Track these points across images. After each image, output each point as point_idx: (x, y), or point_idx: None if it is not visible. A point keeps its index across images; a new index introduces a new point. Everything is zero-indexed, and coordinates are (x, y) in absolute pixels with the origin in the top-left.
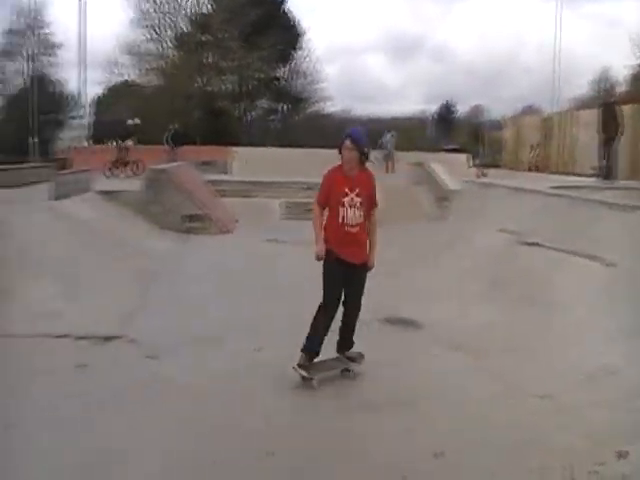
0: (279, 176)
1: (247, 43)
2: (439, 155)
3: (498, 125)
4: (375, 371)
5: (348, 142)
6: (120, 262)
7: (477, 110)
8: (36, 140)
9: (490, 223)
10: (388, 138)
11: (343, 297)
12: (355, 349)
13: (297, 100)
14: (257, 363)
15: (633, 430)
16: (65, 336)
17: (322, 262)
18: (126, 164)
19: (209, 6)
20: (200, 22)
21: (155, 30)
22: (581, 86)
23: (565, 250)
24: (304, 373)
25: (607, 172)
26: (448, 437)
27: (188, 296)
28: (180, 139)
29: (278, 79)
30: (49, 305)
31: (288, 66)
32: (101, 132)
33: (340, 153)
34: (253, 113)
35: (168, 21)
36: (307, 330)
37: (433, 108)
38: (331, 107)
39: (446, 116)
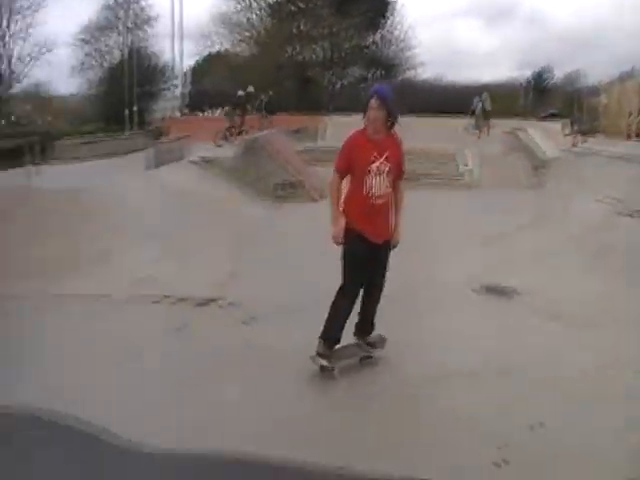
0: None
1: (338, 11)
2: (534, 123)
3: (595, 91)
4: (470, 340)
5: (374, 101)
6: (215, 228)
7: (573, 76)
8: (134, 109)
9: (589, 192)
10: (480, 100)
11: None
12: (451, 317)
13: (388, 67)
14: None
15: None
16: (165, 298)
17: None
18: (239, 132)
19: None
20: None
21: (246, 0)
22: None
23: None
24: (324, 362)
25: None
26: (546, 409)
27: (281, 262)
28: (272, 107)
29: (369, 46)
30: (150, 268)
31: (379, 33)
32: (200, 101)
33: (364, 115)
34: (344, 81)
35: None
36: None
37: (527, 74)
38: (423, 74)
39: (541, 82)
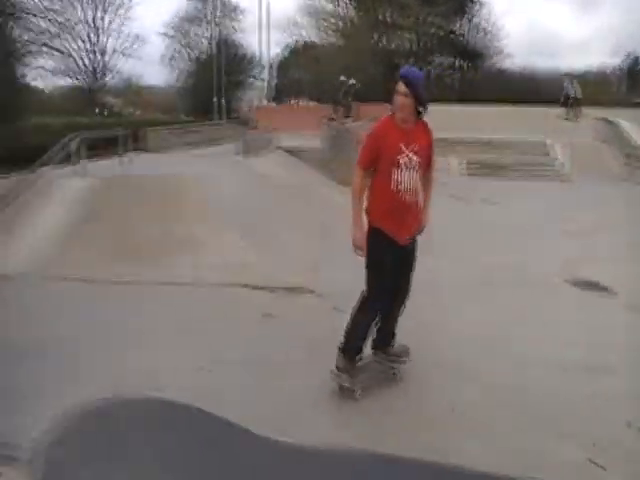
0: (458, 133)
1: None
2: (628, 111)
3: None
4: (568, 334)
5: (402, 85)
6: (303, 216)
7: None
8: (222, 99)
9: None
10: (569, 83)
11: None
12: (542, 311)
13: (476, 56)
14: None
15: None
16: (253, 285)
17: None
18: (346, 117)
19: None
20: None
21: None
22: None
23: None
24: (345, 383)
25: None
26: None
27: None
28: (357, 95)
29: (456, 34)
30: (239, 255)
31: (467, 21)
32: (286, 91)
33: (391, 102)
34: (430, 69)
35: None
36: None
37: (618, 61)
38: (511, 62)
39: (635, 69)
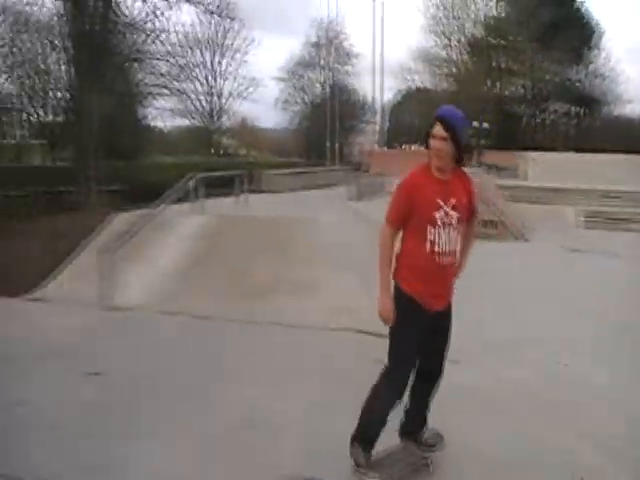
0: (576, 182)
1: (540, 44)
2: None
3: None
4: None
5: (440, 128)
6: None
7: None
8: (336, 143)
9: None
10: None
11: (419, 358)
12: None
13: (593, 102)
14: (559, 377)
15: None
16: (364, 330)
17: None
18: (489, 167)
19: (501, 9)
20: (491, 25)
21: (445, 35)
22: None
23: None
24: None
25: None
26: None
27: (485, 301)
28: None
29: (572, 80)
30: (350, 299)
31: (584, 67)
32: (399, 136)
33: (426, 146)
34: (544, 116)
35: (458, 26)
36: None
37: None
38: (631, 109)
39: None
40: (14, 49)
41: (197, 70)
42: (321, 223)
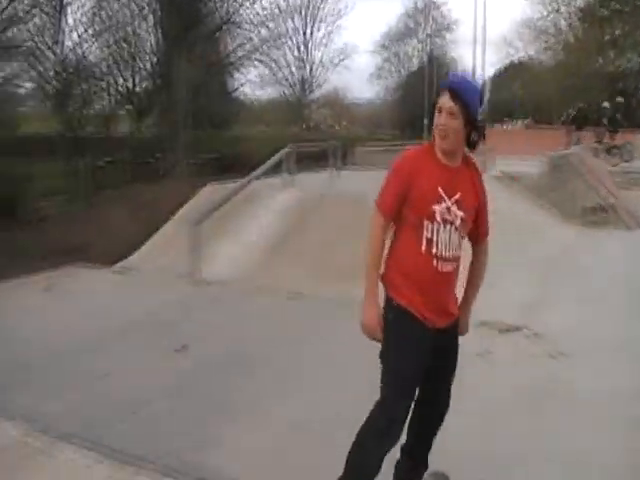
0: None
1: None
2: None
3: None
4: None
5: (446, 99)
6: (519, 248)
7: None
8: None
9: None
10: None
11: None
12: None
13: None
14: None
15: None
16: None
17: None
18: (608, 150)
19: None
20: None
21: (552, 5)
22: None
23: None
24: None
25: None
26: None
27: (594, 294)
28: (582, 121)
29: None
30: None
31: None
32: (500, 112)
33: (430, 122)
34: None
35: None
36: None
37: None
38: None
39: None
40: (102, 14)
41: (289, 38)
42: None
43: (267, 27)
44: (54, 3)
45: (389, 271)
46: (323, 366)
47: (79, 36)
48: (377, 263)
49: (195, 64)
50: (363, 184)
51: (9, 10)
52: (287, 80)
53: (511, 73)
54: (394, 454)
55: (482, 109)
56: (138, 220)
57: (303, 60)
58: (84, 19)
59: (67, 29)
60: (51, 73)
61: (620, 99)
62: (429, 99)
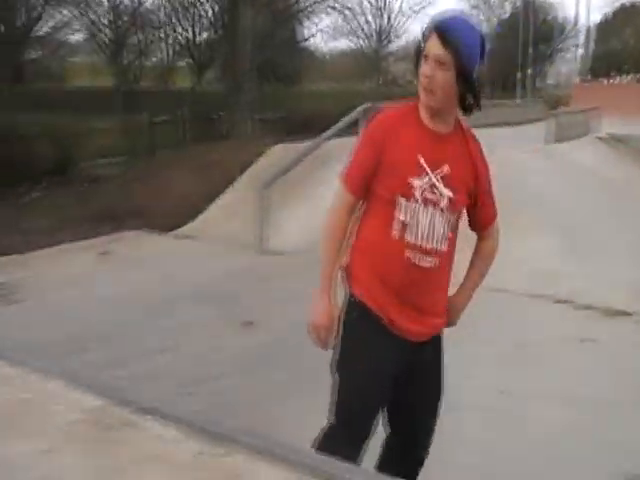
0: None
1: None
2: None
3: None
4: None
5: (434, 43)
6: (627, 221)
7: None
8: (528, 72)
9: None
10: None
11: (387, 416)
12: None
13: None
14: None
15: None
16: (565, 302)
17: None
18: None
19: None
20: None
21: None
22: None
23: None
24: None
25: None
26: None
27: None
28: None
29: None
30: (551, 263)
31: None
32: (607, 65)
33: (417, 74)
34: None
35: None
36: None
37: None
38: None
39: None
40: None
41: None
42: (511, 169)
43: None
44: None
45: (352, 261)
46: None
47: None
48: (336, 251)
49: (261, 11)
50: None
51: None
52: (362, 30)
53: (621, 19)
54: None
55: (480, 65)
56: (200, 182)
57: (381, 8)
58: None
59: None
60: (105, 21)
61: None
62: (523, 51)
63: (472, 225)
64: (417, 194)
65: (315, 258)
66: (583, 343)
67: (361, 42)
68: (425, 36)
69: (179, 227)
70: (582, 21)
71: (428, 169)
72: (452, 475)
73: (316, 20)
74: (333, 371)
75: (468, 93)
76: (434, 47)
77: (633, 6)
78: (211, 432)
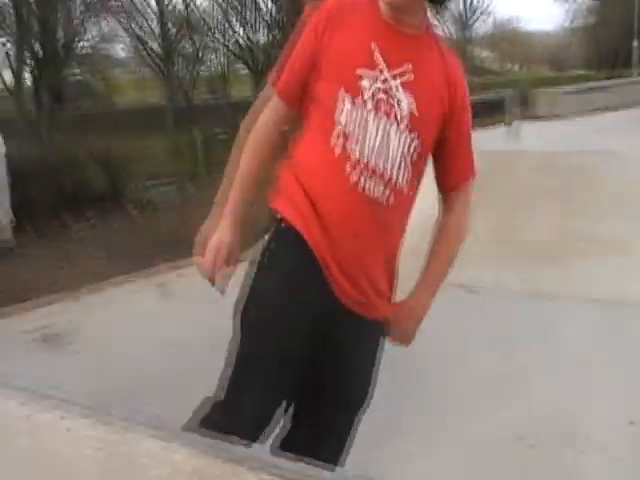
0: None
1: None
2: None
3: None
4: None
5: None
6: None
7: None
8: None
9: None
10: None
11: (293, 408)
12: None
13: None
14: None
15: None
16: None
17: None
18: None
19: None
20: None
21: None
22: None
23: None
24: None
25: None
26: None
27: None
28: None
29: None
30: None
31: None
32: None
33: None
34: None
35: None
36: None
37: None
38: None
39: None
40: None
41: None
42: (628, 159)
43: None
44: None
45: (284, 184)
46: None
47: None
48: (253, 166)
49: None
50: (549, 139)
51: None
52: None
53: None
54: None
55: None
56: (262, 202)
57: None
58: None
59: None
60: (156, 29)
61: None
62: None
63: (440, 180)
64: (367, 95)
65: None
66: None
67: (441, 27)
68: None
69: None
70: None
71: (384, 64)
72: None
73: None
74: (236, 324)
75: None
76: None
77: None
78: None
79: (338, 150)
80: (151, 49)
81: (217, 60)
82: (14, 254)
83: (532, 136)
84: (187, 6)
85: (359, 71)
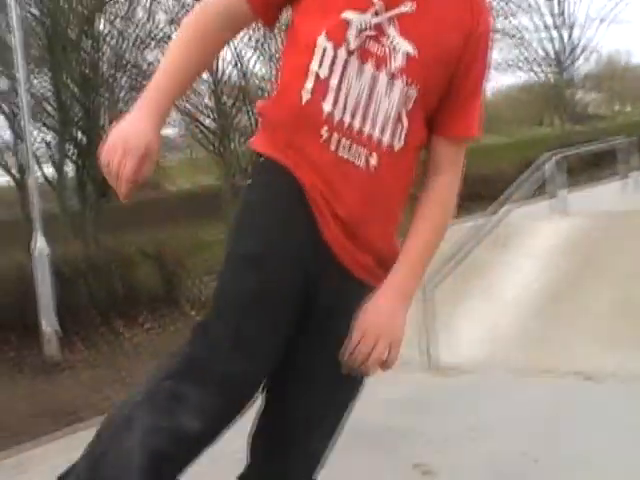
0: None
1: None
2: None
3: None
4: None
5: None
6: None
7: None
8: None
9: None
10: None
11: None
12: None
13: None
14: None
15: None
16: None
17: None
18: None
19: None
20: None
21: None
22: None
23: None
24: None
25: None
26: None
27: None
28: None
29: None
30: None
31: None
32: None
33: None
34: None
35: None
36: None
37: None
38: None
39: None
40: None
41: None
42: None
43: None
44: None
45: (267, 114)
46: None
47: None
48: (186, 55)
49: None
50: None
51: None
52: (535, 56)
53: None
54: None
55: None
56: None
57: (556, 23)
58: None
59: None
60: (207, 102)
61: None
62: None
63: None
64: (351, 36)
65: (504, 373)
66: None
67: (532, 72)
68: None
69: None
70: None
71: (380, 3)
72: None
73: None
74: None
75: None
76: None
77: None
78: None
79: (307, 99)
80: (203, 125)
81: None
82: (60, 369)
83: None
84: (244, 74)
85: (346, 15)
